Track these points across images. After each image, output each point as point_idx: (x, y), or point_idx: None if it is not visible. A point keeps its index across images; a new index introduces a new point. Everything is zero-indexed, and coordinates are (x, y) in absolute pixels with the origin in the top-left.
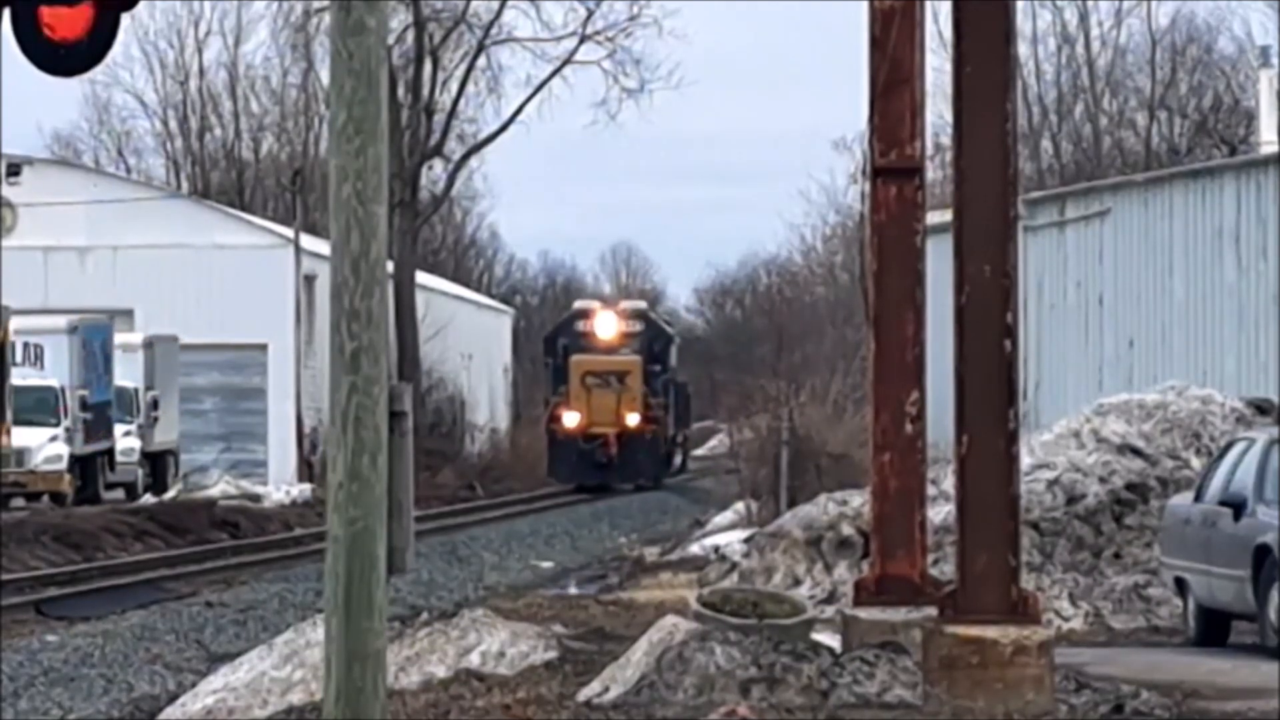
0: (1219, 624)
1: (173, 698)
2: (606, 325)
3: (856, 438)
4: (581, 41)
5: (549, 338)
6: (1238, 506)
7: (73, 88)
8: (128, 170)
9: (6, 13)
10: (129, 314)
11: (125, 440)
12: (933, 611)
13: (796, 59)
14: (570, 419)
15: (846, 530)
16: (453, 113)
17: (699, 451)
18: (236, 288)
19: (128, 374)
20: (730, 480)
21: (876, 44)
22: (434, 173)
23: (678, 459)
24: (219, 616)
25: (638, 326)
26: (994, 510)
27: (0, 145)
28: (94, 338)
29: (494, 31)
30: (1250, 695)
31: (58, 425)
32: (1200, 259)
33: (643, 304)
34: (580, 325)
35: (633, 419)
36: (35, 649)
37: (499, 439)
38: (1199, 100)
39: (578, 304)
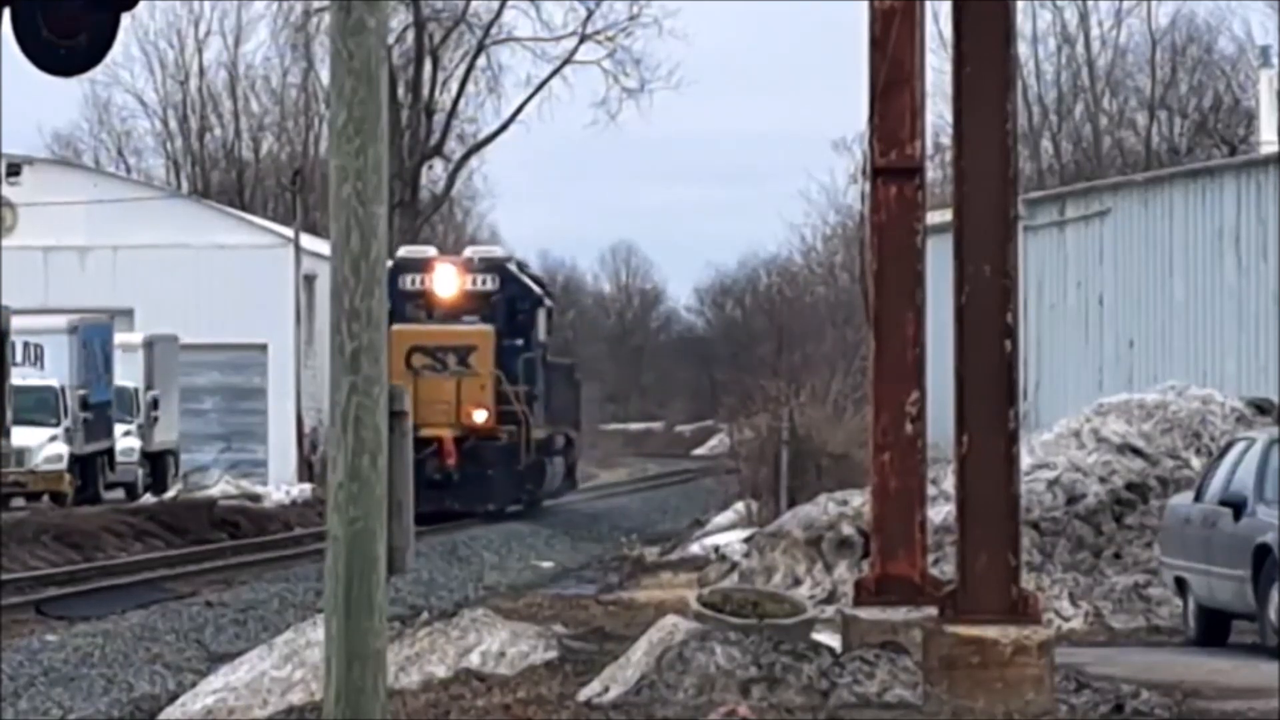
0: (1219, 624)
1: (173, 698)
2: (444, 281)
3: (856, 438)
4: (581, 41)
5: None
6: (1238, 506)
7: (73, 88)
8: (128, 170)
9: (6, 13)
10: (129, 314)
11: (125, 440)
12: (933, 611)
13: (796, 59)
14: None
15: (846, 530)
16: (453, 113)
17: (698, 451)
18: (236, 288)
19: (128, 374)
20: (721, 481)
21: (876, 44)
22: (434, 173)
23: (554, 472)
24: (219, 616)
25: (491, 284)
26: (994, 510)
27: (0, 145)
28: (94, 338)
29: (494, 31)
30: (1250, 695)
31: (58, 425)
32: (1200, 259)
33: (498, 250)
34: (406, 282)
35: (480, 416)
36: (35, 649)
37: None
38: (1199, 100)
39: (403, 251)
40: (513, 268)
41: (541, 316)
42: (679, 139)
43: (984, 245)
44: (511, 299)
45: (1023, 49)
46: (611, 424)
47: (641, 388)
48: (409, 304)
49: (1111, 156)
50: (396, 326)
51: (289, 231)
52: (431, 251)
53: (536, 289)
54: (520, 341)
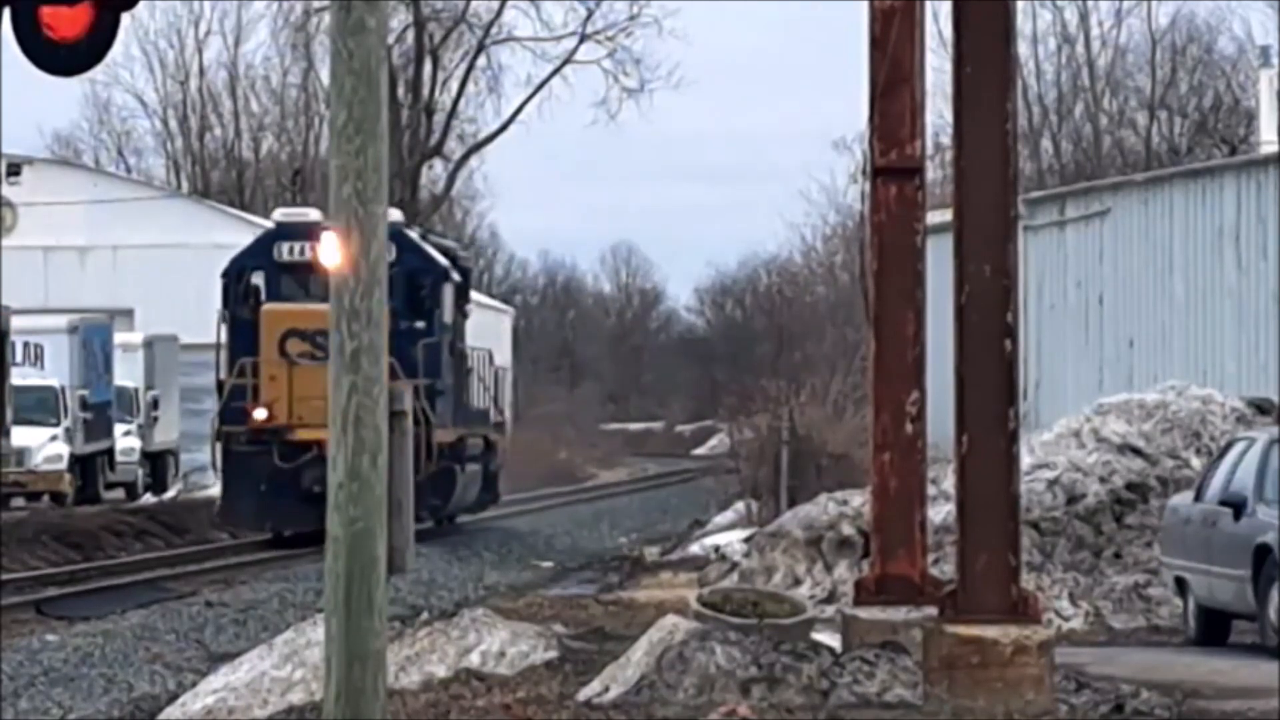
0: (1219, 624)
1: (173, 697)
2: (328, 250)
3: (856, 438)
4: (581, 41)
5: (229, 273)
6: (1238, 506)
7: (73, 88)
8: (128, 170)
9: (6, 13)
10: (129, 314)
11: (125, 440)
12: (933, 611)
13: (796, 59)
14: (259, 415)
15: (846, 530)
16: (453, 113)
17: (699, 451)
18: None
19: (128, 374)
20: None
21: (876, 44)
22: (434, 173)
23: (466, 483)
24: (219, 616)
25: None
26: (994, 510)
27: (0, 145)
28: (94, 338)
29: (494, 31)
30: (1250, 695)
31: (58, 425)
32: (1200, 259)
33: (395, 214)
34: (284, 250)
35: None
36: (35, 649)
37: None
38: (1199, 100)
39: (280, 213)
40: (413, 235)
41: (448, 293)
42: (679, 139)
43: (984, 245)
44: (411, 273)
45: (1023, 49)
46: (611, 424)
47: (641, 388)
48: (286, 277)
49: (1111, 156)
50: (269, 305)
51: None
52: (314, 214)
53: (442, 260)
54: (420, 324)
